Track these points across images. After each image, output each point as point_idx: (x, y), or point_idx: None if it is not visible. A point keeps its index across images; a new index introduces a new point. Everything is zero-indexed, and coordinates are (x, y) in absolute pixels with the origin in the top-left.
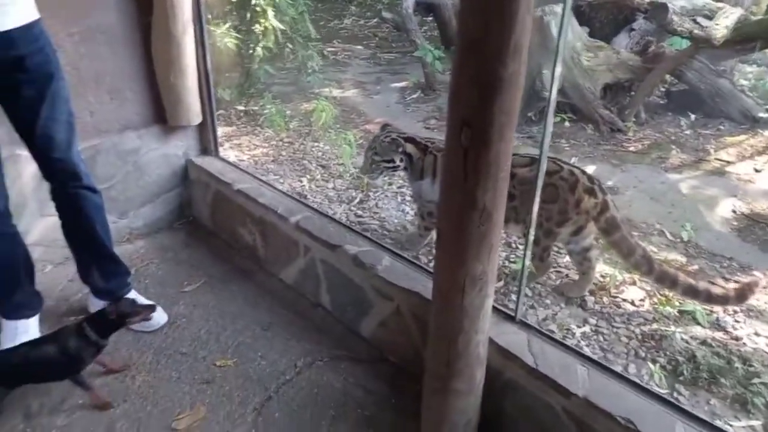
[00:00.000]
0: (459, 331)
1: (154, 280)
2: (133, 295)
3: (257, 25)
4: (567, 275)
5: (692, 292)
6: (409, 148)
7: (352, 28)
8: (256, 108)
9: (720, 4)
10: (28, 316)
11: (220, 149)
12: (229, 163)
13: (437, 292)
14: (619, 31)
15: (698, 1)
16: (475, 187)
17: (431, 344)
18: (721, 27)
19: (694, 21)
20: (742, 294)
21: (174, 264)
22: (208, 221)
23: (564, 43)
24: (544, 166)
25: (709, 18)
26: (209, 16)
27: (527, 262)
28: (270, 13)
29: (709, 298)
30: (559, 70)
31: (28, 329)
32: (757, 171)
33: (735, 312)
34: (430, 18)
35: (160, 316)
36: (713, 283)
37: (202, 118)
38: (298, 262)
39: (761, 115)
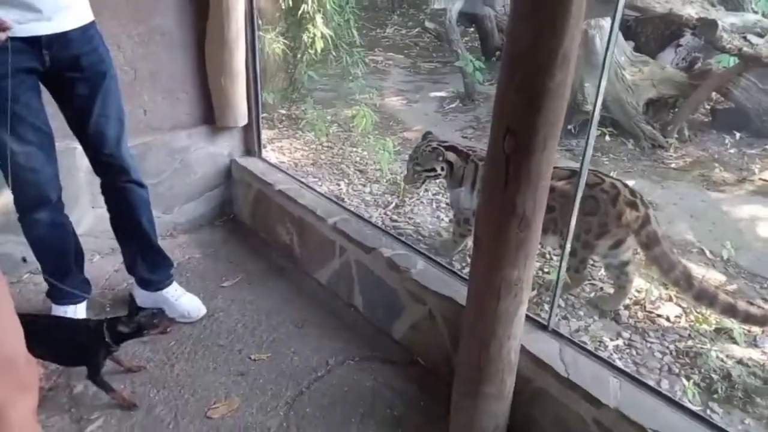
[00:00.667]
0: (492, 335)
1: (195, 274)
2: (174, 288)
3: (306, 32)
4: (602, 288)
5: (731, 311)
6: (450, 156)
7: (394, 37)
8: (298, 112)
9: None
10: (76, 303)
11: (263, 151)
12: (270, 164)
13: (472, 296)
14: (666, 46)
15: (750, 18)
16: (515, 194)
17: (463, 347)
18: None
19: (744, 38)
20: None
21: (214, 259)
22: (248, 220)
23: (611, 59)
24: (584, 178)
25: (761, 36)
26: (260, 22)
27: (563, 273)
28: (318, 19)
29: (748, 318)
30: (604, 84)
31: (77, 315)
32: None
33: None
34: (472, 29)
35: (199, 308)
36: (752, 304)
37: (248, 120)
38: (334, 262)
39: None
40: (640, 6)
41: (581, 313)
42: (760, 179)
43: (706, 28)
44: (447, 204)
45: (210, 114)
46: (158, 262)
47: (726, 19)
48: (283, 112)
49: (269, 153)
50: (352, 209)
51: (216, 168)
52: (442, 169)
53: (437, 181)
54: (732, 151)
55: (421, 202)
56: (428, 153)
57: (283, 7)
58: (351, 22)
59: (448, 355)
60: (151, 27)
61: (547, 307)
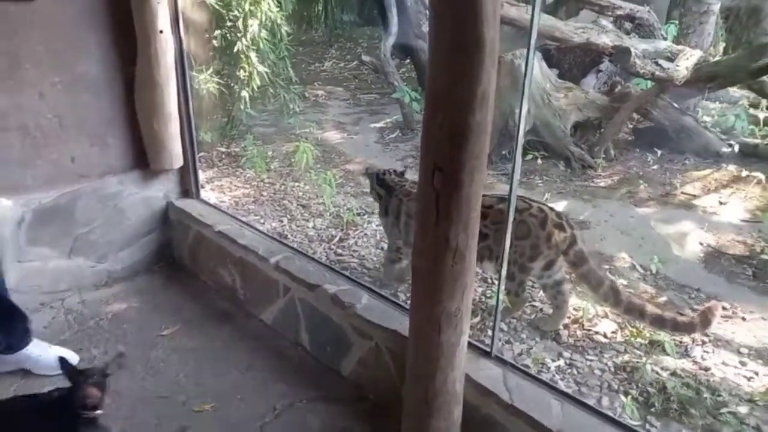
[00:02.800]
0: (436, 368)
1: (132, 324)
2: (35, 344)
3: (242, 71)
4: (542, 309)
5: (659, 322)
6: (380, 190)
7: (333, 71)
8: (237, 149)
9: (680, 47)
10: None
11: (201, 191)
12: (209, 204)
13: (413, 330)
14: (587, 72)
15: (660, 44)
16: (447, 229)
17: (409, 383)
18: (682, 68)
19: (656, 63)
20: (705, 319)
21: (152, 307)
22: (188, 263)
23: (530, 84)
24: (514, 204)
25: (671, 60)
26: (192, 63)
27: (501, 297)
28: (254, 56)
29: (676, 327)
30: (525, 109)
31: None
32: (721, 203)
33: (704, 342)
34: (408, 61)
35: (70, 356)
36: (680, 313)
37: (184, 161)
38: (278, 302)
39: (724, 149)
40: (559, 37)
41: (523, 335)
42: (682, 193)
43: (620, 55)
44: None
45: (143, 158)
46: (12, 320)
47: (639, 46)
48: (223, 150)
49: (208, 193)
50: (296, 246)
51: (151, 212)
52: (379, 196)
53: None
54: (655, 167)
55: (365, 234)
56: (369, 175)
57: (216, 46)
58: (286, 59)
59: (397, 389)
60: (75, 74)
61: (491, 332)
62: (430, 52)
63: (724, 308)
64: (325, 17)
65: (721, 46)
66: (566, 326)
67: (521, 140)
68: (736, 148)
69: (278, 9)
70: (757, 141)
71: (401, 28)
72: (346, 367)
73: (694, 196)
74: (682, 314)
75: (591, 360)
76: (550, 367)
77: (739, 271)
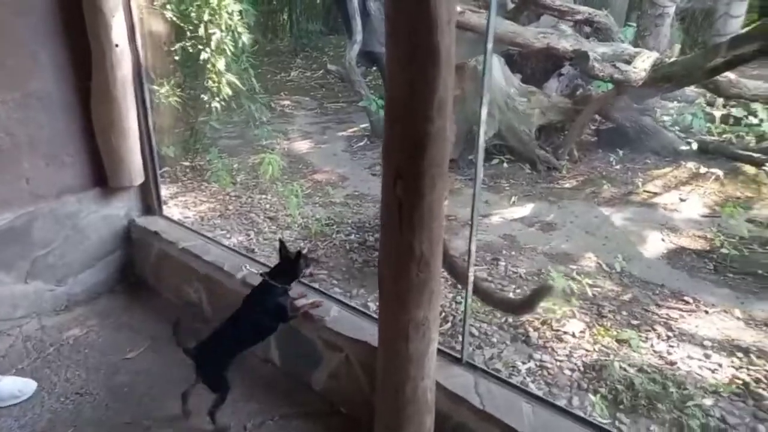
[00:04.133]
0: (406, 378)
1: (94, 349)
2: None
3: (210, 81)
4: None
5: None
6: None
7: (299, 80)
8: (202, 163)
9: (638, 49)
10: None
11: (165, 207)
12: (173, 221)
13: (382, 341)
14: (550, 76)
15: (619, 47)
16: (411, 237)
17: (380, 394)
18: (639, 70)
19: (614, 66)
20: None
21: (115, 330)
22: (152, 282)
23: (488, 88)
24: (476, 207)
25: (628, 62)
26: (152, 76)
27: (470, 303)
28: (221, 66)
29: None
30: (485, 112)
31: None
32: (682, 200)
33: (669, 337)
34: (374, 68)
35: (26, 382)
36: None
37: (145, 177)
38: None
39: (683, 147)
40: (521, 42)
41: (494, 339)
42: (644, 191)
43: (579, 59)
44: (359, 244)
45: (101, 175)
46: None
47: (598, 50)
48: (187, 164)
49: (172, 209)
50: (263, 260)
51: (112, 231)
52: None
53: None
54: (617, 167)
55: (334, 244)
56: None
57: (177, 59)
58: (249, 70)
59: (369, 401)
60: (27, 91)
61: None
62: (387, 61)
63: (687, 302)
64: (291, 27)
65: (677, 47)
66: (536, 328)
67: (482, 144)
68: (695, 145)
69: (239, 18)
70: (714, 138)
71: (366, 36)
72: (318, 382)
73: (656, 194)
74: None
75: (561, 360)
76: (521, 370)
77: (700, 265)
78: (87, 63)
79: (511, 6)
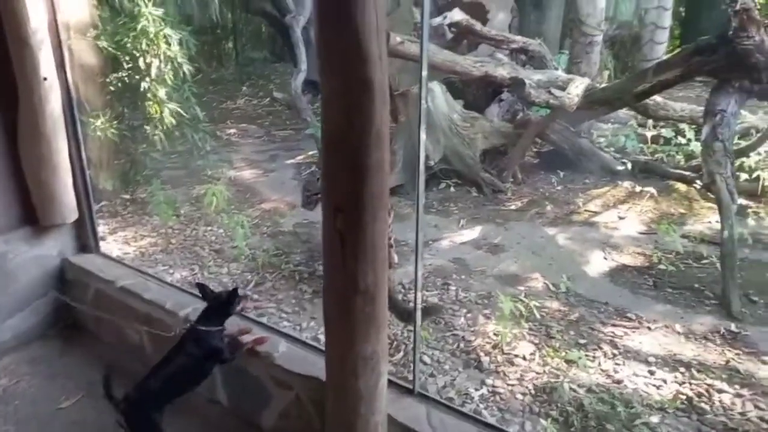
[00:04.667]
0: (356, 415)
1: (25, 399)
2: None
3: (152, 110)
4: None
5: None
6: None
7: (245, 108)
8: (143, 195)
9: (571, 76)
10: None
11: (102, 244)
12: (111, 258)
13: (330, 377)
14: (490, 102)
15: (553, 74)
16: (355, 271)
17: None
18: (573, 95)
19: (549, 92)
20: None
21: (48, 378)
22: (90, 324)
23: (425, 114)
24: (420, 229)
25: (563, 88)
26: (86, 108)
27: (419, 332)
28: (163, 94)
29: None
30: (423, 137)
31: None
32: (620, 218)
33: (614, 355)
34: (320, 96)
35: None
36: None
37: (79, 214)
38: None
39: (619, 168)
40: (460, 70)
41: (446, 366)
42: (585, 210)
43: (516, 86)
44: (309, 274)
45: (31, 213)
46: None
47: (533, 77)
48: (127, 197)
49: (111, 245)
50: None
51: (44, 271)
52: None
53: None
54: (559, 188)
55: (283, 276)
56: (315, 181)
57: (113, 90)
58: (191, 98)
59: None
60: None
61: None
62: (323, 97)
63: (630, 319)
64: (236, 55)
65: (606, 73)
66: (487, 352)
67: (422, 165)
68: (629, 165)
69: (179, 48)
70: (647, 158)
71: (311, 63)
72: (268, 422)
73: (596, 213)
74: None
75: (512, 384)
76: (473, 397)
77: (641, 281)
78: (11, 94)
79: (450, 36)
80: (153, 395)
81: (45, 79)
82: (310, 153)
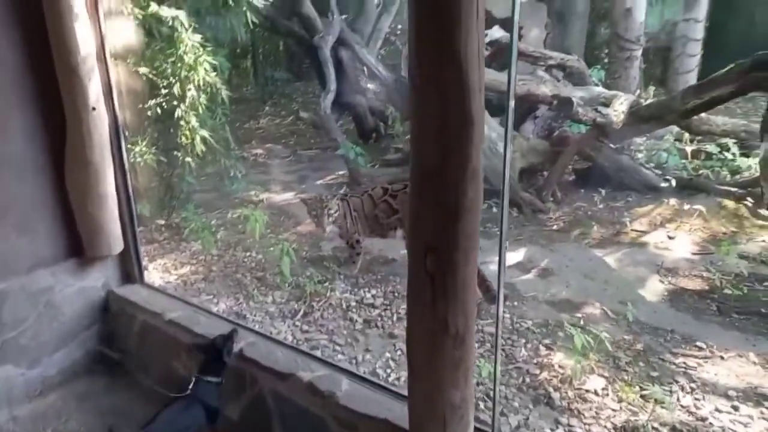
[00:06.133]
0: None
1: None
2: None
3: (183, 137)
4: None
5: None
6: (333, 203)
7: (269, 128)
8: (178, 220)
9: (613, 92)
10: None
11: (145, 274)
12: (155, 289)
13: (414, 425)
14: (525, 119)
15: (594, 90)
16: (445, 313)
17: None
18: (619, 112)
19: (596, 110)
20: None
21: (97, 415)
22: (136, 358)
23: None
24: (503, 270)
25: (605, 105)
26: (127, 134)
27: (498, 374)
28: (194, 121)
29: None
30: (508, 167)
31: None
32: (670, 238)
33: (693, 389)
34: (346, 116)
35: None
36: None
37: (124, 244)
38: (245, 395)
39: (662, 184)
40: (504, 89)
41: (516, 404)
42: (632, 230)
43: (563, 105)
44: (357, 302)
45: (77, 245)
46: None
47: (576, 94)
48: (162, 222)
49: (152, 274)
50: (257, 328)
51: (89, 304)
52: (337, 211)
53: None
54: (601, 206)
55: (330, 304)
56: (316, 200)
57: (150, 115)
58: (225, 125)
59: None
60: None
61: (481, 404)
62: (414, 128)
63: (700, 348)
64: (255, 74)
65: (652, 89)
66: (556, 387)
67: (507, 199)
68: (673, 182)
69: (215, 73)
70: (690, 174)
71: (339, 84)
72: None
73: (644, 233)
74: None
75: (589, 423)
76: None
77: (703, 306)
78: (61, 126)
79: (485, 53)
80: None
81: (93, 109)
82: (340, 173)
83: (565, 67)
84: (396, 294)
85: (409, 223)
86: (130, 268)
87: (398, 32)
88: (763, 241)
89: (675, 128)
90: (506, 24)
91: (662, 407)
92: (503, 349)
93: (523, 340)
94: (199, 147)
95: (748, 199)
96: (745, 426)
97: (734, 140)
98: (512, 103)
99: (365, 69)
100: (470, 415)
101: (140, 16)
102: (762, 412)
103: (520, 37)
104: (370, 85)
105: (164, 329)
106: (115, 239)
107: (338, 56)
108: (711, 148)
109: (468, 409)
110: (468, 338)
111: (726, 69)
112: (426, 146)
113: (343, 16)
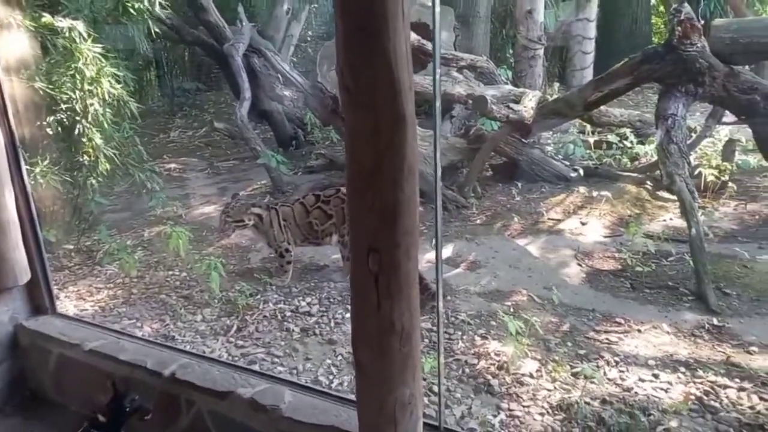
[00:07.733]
0: None
1: None
2: None
3: (85, 156)
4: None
5: None
6: (256, 210)
7: (181, 140)
8: (89, 243)
9: (522, 90)
10: None
11: (57, 304)
12: (71, 318)
13: (365, 428)
14: (443, 119)
15: (505, 89)
16: (391, 311)
17: None
18: (529, 108)
19: (508, 107)
20: None
21: None
22: (53, 394)
23: (438, 141)
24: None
25: (516, 102)
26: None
27: (442, 366)
28: (98, 139)
29: None
30: (439, 164)
31: None
32: (583, 224)
33: (617, 363)
34: (261, 123)
35: None
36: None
37: (31, 274)
38: (181, 420)
39: (572, 175)
40: (419, 90)
41: (458, 395)
42: (549, 219)
43: (478, 103)
44: (292, 311)
45: None
46: None
47: (489, 92)
48: (71, 247)
49: (65, 303)
50: (189, 348)
51: None
52: (250, 219)
53: (245, 229)
54: (518, 199)
55: (265, 317)
56: (238, 208)
57: (50, 132)
58: (135, 138)
59: None
60: None
61: (426, 400)
62: (349, 132)
63: (619, 323)
64: (161, 86)
65: (556, 85)
66: (494, 374)
67: (440, 194)
68: (581, 171)
69: (120, 85)
70: (595, 163)
71: (254, 92)
72: None
73: (559, 221)
74: None
75: (527, 405)
76: (494, 424)
77: (619, 284)
78: None
79: None
80: None
81: None
82: (262, 182)
83: (476, 67)
84: (331, 300)
85: (351, 226)
86: (39, 299)
87: (308, 39)
88: (664, 220)
89: (578, 121)
90: (415, 27)
91: (592, 382)
92: None
93: (460, 333)
94: (104, 165)
95: (648, 183)
96: (666, 392)
97: (631, 129)
98: (438, 103)
99: (280, 76)
100: (419, 410)
101: (32, 28)
102: (679, 378)
103: (430, 40)
104: (286, 92)
105: (84, 361)
106: (20, 269)
107: (250, 64)
108: (611, 137)
109: (417, 405)
110: (414, 335)
111: (621, 63)
112: (361, 147)
113: (252, 24)
